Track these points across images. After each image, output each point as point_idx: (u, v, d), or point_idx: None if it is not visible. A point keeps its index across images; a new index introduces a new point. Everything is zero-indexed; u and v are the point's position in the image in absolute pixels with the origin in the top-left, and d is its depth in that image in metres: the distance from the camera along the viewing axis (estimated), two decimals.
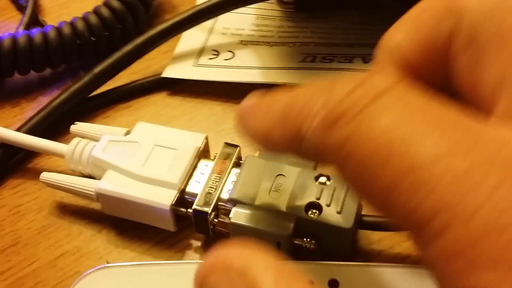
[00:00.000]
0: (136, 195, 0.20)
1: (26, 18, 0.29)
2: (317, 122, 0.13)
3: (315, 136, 0.13)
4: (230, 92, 0.26)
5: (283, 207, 0.19)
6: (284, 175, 0.20)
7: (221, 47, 0.27)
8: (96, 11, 0.27)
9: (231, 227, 0.20)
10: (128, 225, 0.21)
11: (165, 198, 0.20)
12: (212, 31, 0.28)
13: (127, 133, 0.22)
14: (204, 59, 0.27)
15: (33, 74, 0.27)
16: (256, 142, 0.16)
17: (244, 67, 0.26)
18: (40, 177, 0.22)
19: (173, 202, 0.20)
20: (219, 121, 0.25)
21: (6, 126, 0.24)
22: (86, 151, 0.22)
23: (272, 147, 0.15)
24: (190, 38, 0.28)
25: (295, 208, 0.19)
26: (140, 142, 0.22)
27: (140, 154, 0.21)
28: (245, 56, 0.27)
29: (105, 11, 0.27)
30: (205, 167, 0.21)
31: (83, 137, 0.23)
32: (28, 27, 0.29)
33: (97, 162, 0.21)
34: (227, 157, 0.21)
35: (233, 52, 0.27)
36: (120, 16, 0.27)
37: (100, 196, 0.21)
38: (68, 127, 0.23)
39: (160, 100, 0.26)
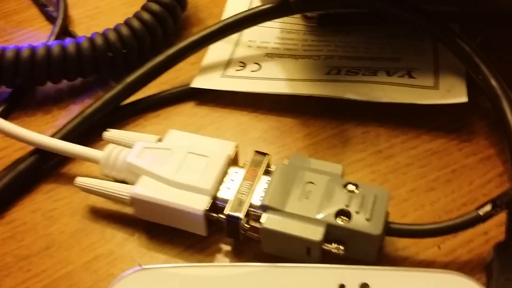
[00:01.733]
0: (170, 200, 0.21)
1: (57, 29, 0.30)
2: None
3: None
4: (257, 103, 0.27)
5: (313, 213, 0.20)
6: (313, 183, 0.21)
7: (247, 59, 0.28)
8: (127, 23, 0.28)
9: (262, 232, 0.20)
10: (160, 229, 0.22)
11: (198, 203, 0.21)
12: (238, 43, 0.29)
13: (159, 140, 0.23)
14: (231, 71, 0.28)
15: (64, 83, 0.28)
16: None
17: (270, 79, 0.27)
18: (74, 182, 0.23)
19: (207, 208, 0.21)
20: (245, 130, 0.26)
21: (38, 133, 0.25)
22: (121, 157, 0.23)
23: None
24: (217, 50, 0.29)
25: (325, 215, 0.20)
26: (173, 149, 0.22)
27: (173, 160, 0.22)
28: (271, 68, 0.28)
29: (136, 23, 0.28)
30: (236, 174, 0.22)
31: (115, 143, 0.23)
32: (58, 37, 0.30)
33: (131, 168, 0.22)
34: (257, 164, 0.22)
35: (259, 64, 0.28)
36: (151, 28, 0.28)
37: (134, 201, 0.22)
38: (99, 135, 0.24)
39: (189, 110, 0.27)
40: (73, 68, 0.27)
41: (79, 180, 0.23)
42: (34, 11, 0.33)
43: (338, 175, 0.21)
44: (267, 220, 0.20)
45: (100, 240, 0.22)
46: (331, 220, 0.20)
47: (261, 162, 0.22)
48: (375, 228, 0.20)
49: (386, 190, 0.21)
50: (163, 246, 0.22)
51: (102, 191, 0.22)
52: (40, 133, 0.25)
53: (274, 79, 0.27)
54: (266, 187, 0.21)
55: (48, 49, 0.26)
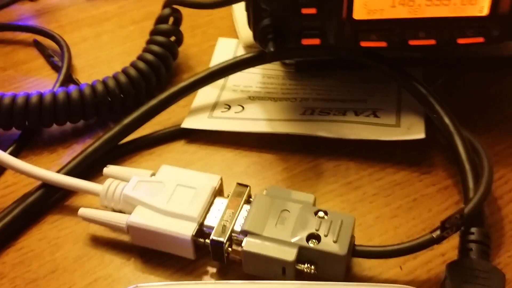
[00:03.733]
0: (162, 227, 0.24)
1: (61, 77, 0.33)
2: None
3: None
4: (240, 140, 0.30)
5: (287, 237, 0.23)
6: (288, 210, 0.24)
7: (232, 102, 0.32)
8: (124, 71, 0.31)
9: (243, 254, 0.23)
10: (153, 254, 0.25)
11: (186, 230, 0.24)
12: (224, 88, 0.33)
13: (153, 174, 0.26)
14: (217, 112, 0.31)
15: (68, 124, 0.31)
16: None
17: (252, 119, 0.30)
18: (78, 213, 0.25)
19: (194, 233, 0.23)
20: (230, 165, 0.29)
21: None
22: (118, 190, 0.25)
23: None
24: (205, 94, 0.32)
25: (298, 238, 0.23)
26: (165, 182, 0.25)
27: (165, 192, 0.25)
28: (253, 110, 0.31)
29: (132, 72, 0.31)
30: (220, 204, 0.25)
31: (114, 178, 0.26)
32: (63, 84, 0.33)
33: (128, 199, 0.25)
34: (239, 195, 0.25)
35: (242, 106, 0.31)
36: (146, 76, 0.31)
37: (130, 228, 0.24)
38: (100, 170, 0.27)
39: (179, 147, 0.30)
40: (77, 112, 0.30)
41: (82, 211, 0.25)
42: (41, 61, 0.37)
43: (311, 204, 0.24)
44: (247, 244, 0.23)
45: (100, 264, 0.25)
46: (303, 242, 0.23)
47: (243, 193, 0.25)
48: (341, 248, 0.22)
49: (351, 216, 0.24)
50: (156, 269, 0.25)
51: (102, 221, 0.25)
52: (46, 169, 0.28)
53: (255, 119, 0.30)
54: (246, 214, 0.24)
55: (54, 95, 0.29)
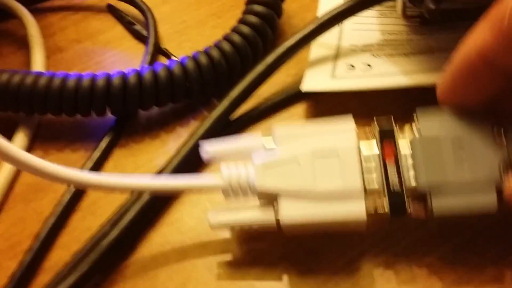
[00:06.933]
0: (326, 216, 0.19)
1: (150, 48, 0.29)
2: None
3: None
4: (372, 102, 0.26)
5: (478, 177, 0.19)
6: (462, 146, 0.19)
7: (354, 61, 0.27)
8: (228, 39, 0.27)
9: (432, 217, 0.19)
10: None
11: (357, 211, 0.19)
12: (339, 49, 0.28)
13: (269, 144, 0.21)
14: (340, 72, 0.26)
15: (168, 105, 0.27)
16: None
17: (386, 75, 0.25)
18: (209, 222, 0.21)
19: (366, 211, 0.19)
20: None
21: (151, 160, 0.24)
22: (243, 179, 0.21)
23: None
24: (319, 57, 0.27)
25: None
26: (297, 159, 0.20)
27: (304, 172, 0.20)
28: (383, 66, 0.26)
29: (237, 38, 0.27)
30: (371, 155, 0.20)
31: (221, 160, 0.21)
32: (153, 57, 0.29)
33: (263, 192, 0.20)
34: (387, 135, 0.20)
35: (369, 65, 0.26)
36: (251, 41, 0.27)
37: (284, 226, 0.20)
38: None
39: (300, 114, 0.26)
40: (180, 90, 0.26)
41: (214, 218, 0.21)
42: (120, 30, 0.32)
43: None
44: (436, 205, 0.19)
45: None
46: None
47: (391, 132, 0.20)
48: None
49: None
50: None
51: (243, 223, 0.21)
52: (152, 160, 0.25)
53: (391, 75, 0.25)
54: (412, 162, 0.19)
55: (154, 73, 0.25)
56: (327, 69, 0.27)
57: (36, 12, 0.33)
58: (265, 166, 0.20)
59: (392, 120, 0.20)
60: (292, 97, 0.27)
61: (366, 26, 0.29)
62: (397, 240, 0.21)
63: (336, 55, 0.27)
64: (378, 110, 0.25)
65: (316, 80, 0.26)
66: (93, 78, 0.25)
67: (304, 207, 0.20)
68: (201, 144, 0.21)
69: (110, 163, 0.26)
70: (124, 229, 0.22)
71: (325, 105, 0.26)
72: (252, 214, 0.21)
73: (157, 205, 0.23)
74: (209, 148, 0.21)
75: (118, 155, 0.26)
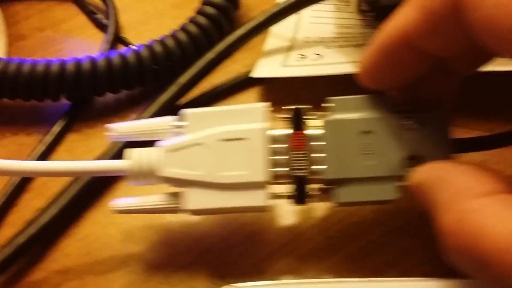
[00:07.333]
0: (229, 205, 0.19)
1: (110, 36, 0.29)
2: None
3: None
4: (318, 87, 0.26)
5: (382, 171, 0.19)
6: (371, 136, 0.19)
7: (306, 52, 0.27)
8: (184, 29, 0.27)
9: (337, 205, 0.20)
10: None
11: (258, 201, 0.19)
12: (293, 41, 0.28)
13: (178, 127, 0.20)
14: (291, 61, 0.27)
15: (123, 92, 0.27)
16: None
17: (335, 63, 0.26)
18: (110, 207, 0.20)
19: (268, 204, 0.19)
20: None
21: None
22: (147, 168, 0.20)
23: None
24: (273, 48, 0.28)
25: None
26: (203, 142, 0.20)
27: (210, 156, 0.20)
28: (333, 56, 0.27)
29: (192, 28, 0.27)
30: (281, 145, 0.20)
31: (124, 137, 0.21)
32: (112, 45, 0.29)
33: (167, 181, 0.20)
34: (297, 122, 0.20)
35: (319, 54, 0.27)
36: (207, 32, 0.27)
37: (188, 211, 0.20)
38: None
39: (250, 102, 0.27)
40: (134, 78, 0.26)
41: (115, 205, 0.20)
42: (82, 18, 0.32)
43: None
44: (339, 194, 0.19)
45: None
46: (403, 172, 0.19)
47: (301, 119, 0.20)
48: None
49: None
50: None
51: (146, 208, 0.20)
52: (103, 145, 0.25)
53: (339, 63, 0.26)
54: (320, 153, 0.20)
55: (109, 60, 0.26)
56: (279, 59, 0.27)
57: (3, 2, 0.33)
58: (169, 149, 0.20)
59: (305, 108, 0.20)
60: (241, 83, 0.27)
61: (322, 19, 0.29)
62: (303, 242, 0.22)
63: (290, 47, 0.28)
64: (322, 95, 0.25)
65: (267, 68, 0.27)
66: (48, 64, 0.26)
67: (207, 194, 0.19)
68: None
69: (62, 147, 0.26)
70: (62, 207, 0.23)
71: (276, 94, 0.27)
72: (155, 198, 0.20)
73: (97, 186, 0.24)
74: (116, 127, 0.21)
75: (71, 139, 0.26)
